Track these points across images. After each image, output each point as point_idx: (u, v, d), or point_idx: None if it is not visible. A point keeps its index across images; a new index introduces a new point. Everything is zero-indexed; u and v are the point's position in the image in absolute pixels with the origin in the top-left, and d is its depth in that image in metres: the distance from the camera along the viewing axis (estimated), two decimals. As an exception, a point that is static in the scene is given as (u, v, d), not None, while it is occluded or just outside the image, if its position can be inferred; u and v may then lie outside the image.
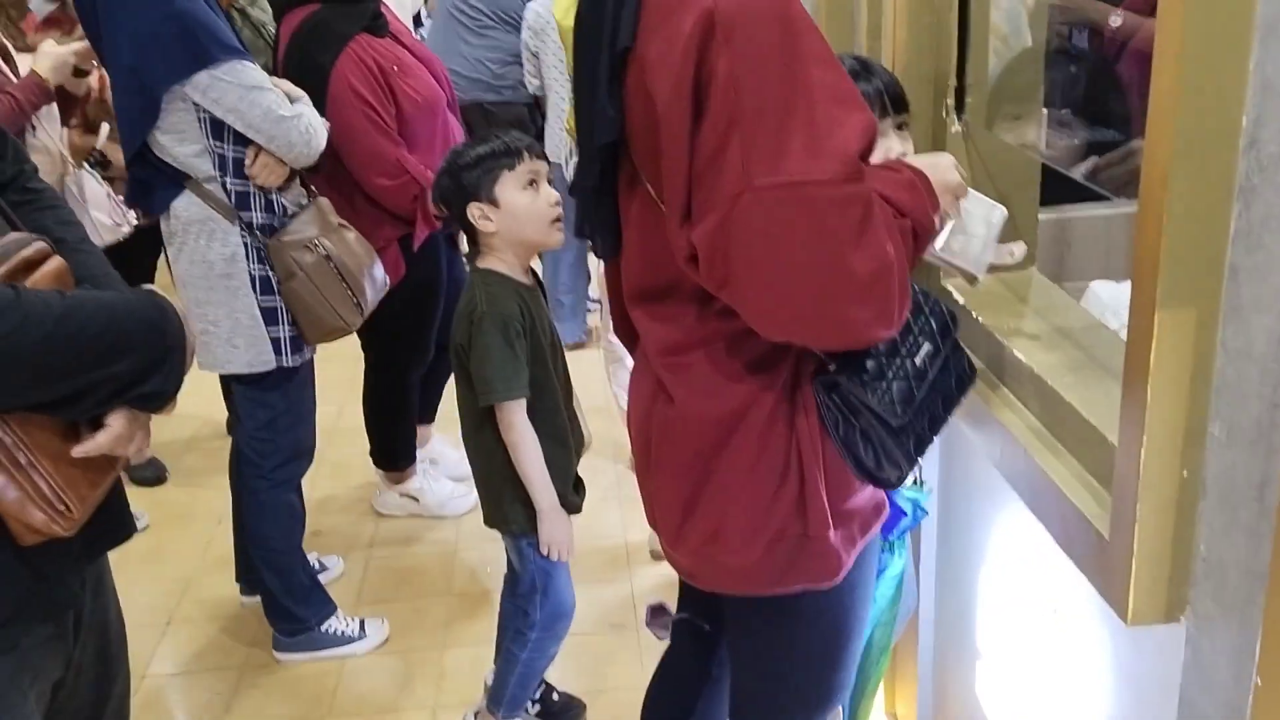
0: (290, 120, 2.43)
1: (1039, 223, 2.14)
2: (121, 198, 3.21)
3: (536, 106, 4.44)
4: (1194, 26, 1.06)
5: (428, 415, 3.59)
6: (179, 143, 2.42)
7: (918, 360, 1.37)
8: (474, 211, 2.14)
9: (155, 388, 1.28)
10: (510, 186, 2.13)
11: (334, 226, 2.60)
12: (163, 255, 3.51)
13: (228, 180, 2.46)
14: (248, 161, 2.46)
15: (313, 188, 2.67)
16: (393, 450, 3.44)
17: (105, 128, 3.25)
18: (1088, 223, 2.33)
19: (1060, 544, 1.42)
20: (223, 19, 2.40)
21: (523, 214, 2.14)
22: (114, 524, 1.40)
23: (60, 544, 1.25)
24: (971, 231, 1.50)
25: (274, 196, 2.53)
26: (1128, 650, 1.46)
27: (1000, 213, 1.51)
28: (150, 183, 2.50)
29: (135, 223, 3.21)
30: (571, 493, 2.29)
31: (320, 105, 2.68)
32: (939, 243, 1.50)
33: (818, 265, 1.17)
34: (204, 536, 3.46)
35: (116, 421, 1.27)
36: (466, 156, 2.16)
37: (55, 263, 1.26)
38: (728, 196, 1.17)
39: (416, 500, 3.52)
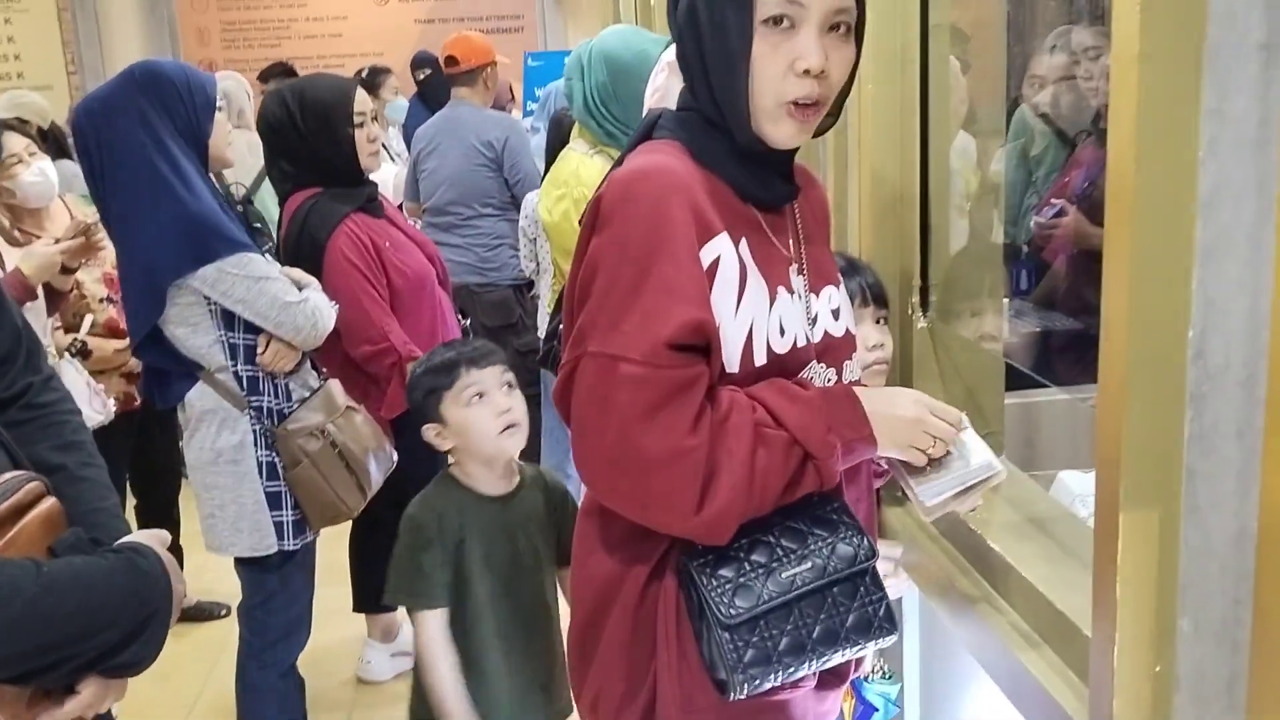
0: (296, 305, 2.53)
1: (1008, 409, 2.22)
2: (102, 387, 3.26)
3: (522, 290, 4.57)
4: (1140, 250, 1.15)
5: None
6: (193, 334, 2.51)
7: (784, 574, 1.34)
8: (429, 432, 2.17)
9: (131, 658, 1.25)
10: (452, 405, 2.12)
11: (342, 409, 2.67)
12: (139, 436, 3.62)
13: (239, 367, 2.55)
14: (259, 349, 2.55)
15: (324, 370, 2.75)
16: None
17: (88, 319, 3.33)
18: (1054, 408, 2.42)
19: (1042, 737, 1.44)
20: (231, 214, 2.52)
21: (469, 430, 2.11)
22: None
23: None
24: (951, 470, 1.45)
25: (283, 382, 2.60)
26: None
27: (995, 477, 1.46)
28: (166, 373, 2.59)
29: (114, 410, 3.26)
30: None
31: (316, 275, 2.78)
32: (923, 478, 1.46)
33: (611, 435, 1.28)
34: (173, 727, 3.38)
35: (87, 690, 1.24)
36: (414, 379, 2.19)
37: (46, 506, 1.24)
38: (572, 356, 1.32)
39: (408, 654, 3.41)
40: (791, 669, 1.35)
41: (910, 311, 1.98)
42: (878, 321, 1.84)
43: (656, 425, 1.25)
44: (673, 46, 1.48)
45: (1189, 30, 1.09)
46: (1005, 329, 1.98)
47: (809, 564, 1.36)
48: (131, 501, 3.86)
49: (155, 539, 1.34)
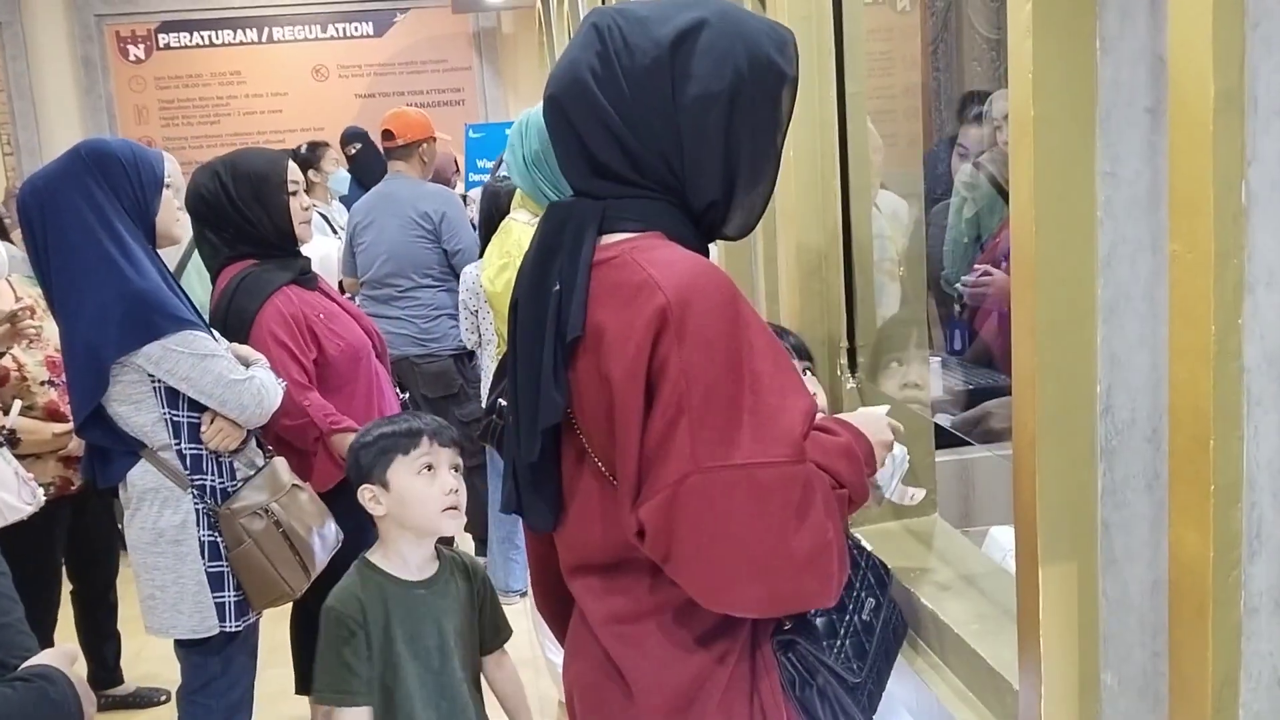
0: (242, 384, 2.51)
1: (943, 465, 2.24)
2: (31, 475, 3.20)
3: (464, 359, 4.57)
4: (1045, 308, 1.18)
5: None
6: (136, 412, 2.49)
7: (864, 615, 1.42)
8: (364, 494, 2.11)
9: None
10: (403, 471, 2.08)
11: (287, 487, 2.63)
12: (76, 519, 3.55)
13: (182, 445, 2.51)
14: (203, 427, 2.52)
15: (269, 447, 2.72)
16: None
17: (17, 404, 3.27)
18: (990, 463, 2.45)
19: (977, 794, 1.44)
20: (180, 291, 2.52)
21: (411, 499, 2.07)
22: None
23: None
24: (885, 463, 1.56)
25: (227, 460, 2.57)
26: None
27: (905, 452, 1.57)
28: (109, 452, 2.56)
29: (44, 499, 3.19)
30: None
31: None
32: None
33: (760, 543, 1.22)
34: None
35: None
36: (367, 435, 2.15)
37: None
38: (675, 478, 1.23)
39: None
40: (881, 698, 1.44)
41: (839, 372, 2.00)
42: (804, 373, 1.86)
43: (805, 524, 1.23)
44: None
45: (1080, 95, 1.13)
46: (932, 386, 2.01)
47: (870, 599, 1.45)
48: (68, 586, 3.78)
49: (64, 658, 1.31)
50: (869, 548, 1.56)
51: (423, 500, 2.08)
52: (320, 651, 2.06)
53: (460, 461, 2.18)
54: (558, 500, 1.46)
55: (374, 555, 2.14)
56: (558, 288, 1.32)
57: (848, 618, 1.42)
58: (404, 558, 2.12)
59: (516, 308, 1.43)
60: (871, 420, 1.47)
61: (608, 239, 1.32)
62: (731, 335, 1.24)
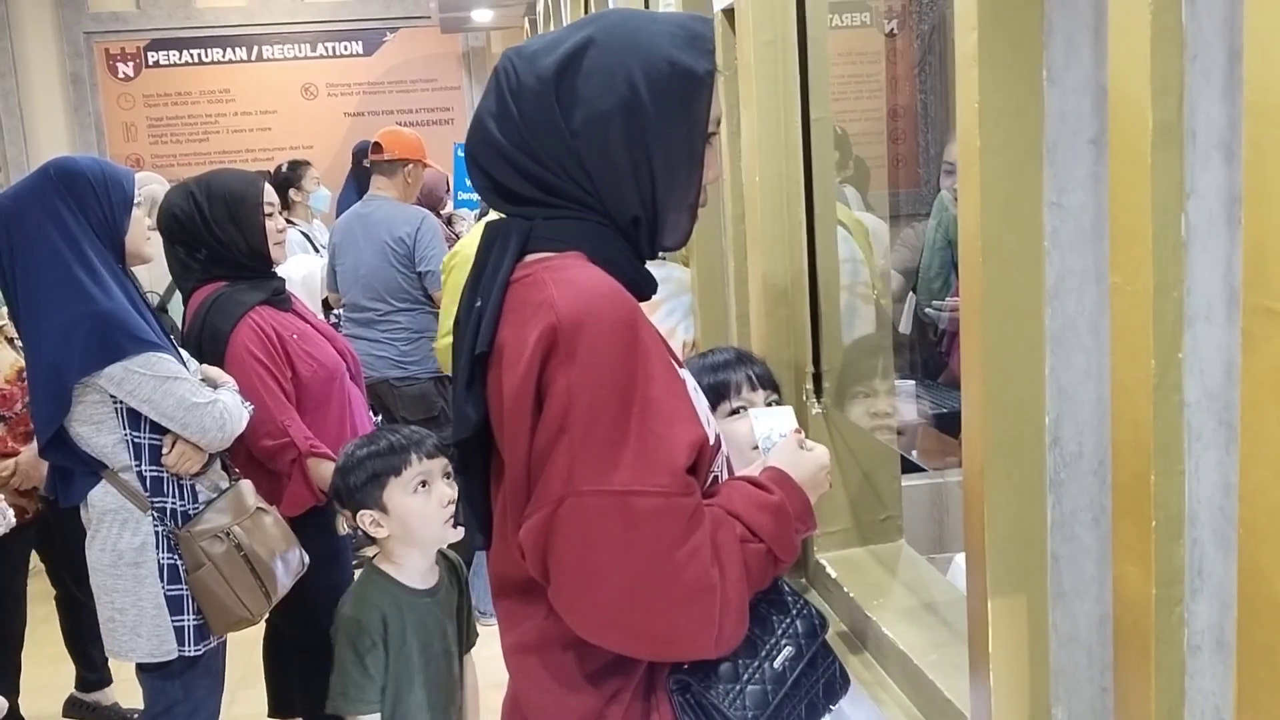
0: (204, 407, 2.49)
1: (916, 490, 2.23)
2: (1, 497, 3.17)
3: (443, 382, 4.55)
4: (993, 339, 1.17)
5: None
6: (97, 433, 2.47)
7: (777, 664, 1.36)
8: (364, 519, 2.12)
9: None
10: (398, 492, 2.09)
11: (250, 510, 2.61)
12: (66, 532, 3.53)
13: (143, 467, 2.50)
14: (165, 450, 2.50)
15: (236, 470, 2.70)
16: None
17: None
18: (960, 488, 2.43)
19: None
20: (147, 313, 2.50)
21: (413, 519, 2.09)
22: None
23: None
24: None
25: (189, 482, 2.55)
26: None
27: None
28: (70, 471, 2.54)
29: (13, 522, 3.17)
30: None
31: (217, 368, 2.75)
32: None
33: (628, 575, 1.20)
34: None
35: None
36: (352, 460, 2.14)
37: None
38: (552, 498, 1.22)
39: None
40: None
41: (805, 398, 1.99)
42: (769, 404, 1.85)
43: (688, 560, 1.20)
44: None
45: (1027, 125, 1.13)
46: (899, 410, 1.99)
47: (789, 648, 1.38)
48: (52, 592, 3.76)
49: None
50: (804, 596, 1.50)
51: (424, 518, 2.10)
52: (339, 661, 2.06)
53: (449, 465, 2.18)
54: (489, 517, 1.45)
55: (383, 564, 2.16)
56: (479, 304, 1.33)
57: (756, 663, 1.36)
58: (412, 568, 2.15)
59: (458, 324, 1.43)
60: (811, 471, 1.42)
61: (531, 257, 1.33)
62: (624, 359, 1.22)
